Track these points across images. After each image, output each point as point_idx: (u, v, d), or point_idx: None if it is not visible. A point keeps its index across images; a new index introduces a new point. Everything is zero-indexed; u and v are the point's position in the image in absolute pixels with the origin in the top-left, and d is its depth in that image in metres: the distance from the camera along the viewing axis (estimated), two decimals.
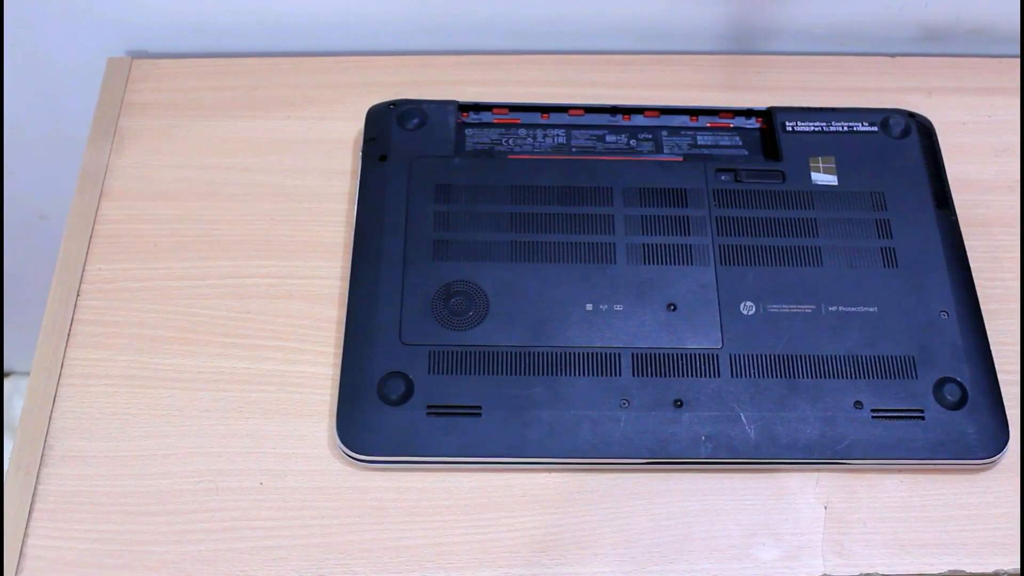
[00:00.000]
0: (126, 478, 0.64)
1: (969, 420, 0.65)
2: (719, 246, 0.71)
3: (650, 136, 0.77)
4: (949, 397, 0.65)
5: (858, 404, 0.65)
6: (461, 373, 0.66)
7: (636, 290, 0.69)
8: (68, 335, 0.69)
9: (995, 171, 0.78)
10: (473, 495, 0.64)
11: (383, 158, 0.74)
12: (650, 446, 0.64)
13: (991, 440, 0.65)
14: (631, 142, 0.77)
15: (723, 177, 0.74)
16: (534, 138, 0.77)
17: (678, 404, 0.65)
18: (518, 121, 0.78)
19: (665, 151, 0.77)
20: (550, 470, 0.65)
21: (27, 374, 0.69)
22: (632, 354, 0.67)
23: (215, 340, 0.69)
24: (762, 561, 0.62)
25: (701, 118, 0.78)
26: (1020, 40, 0.85)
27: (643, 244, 0.71)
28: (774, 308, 0.69)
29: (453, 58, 0.84)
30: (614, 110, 0.78)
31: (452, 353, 0.66)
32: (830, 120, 0.77)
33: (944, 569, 0.62)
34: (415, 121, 0.76)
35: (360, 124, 0.77)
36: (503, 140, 0.77)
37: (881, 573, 0.62)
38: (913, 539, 0.63)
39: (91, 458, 0.65)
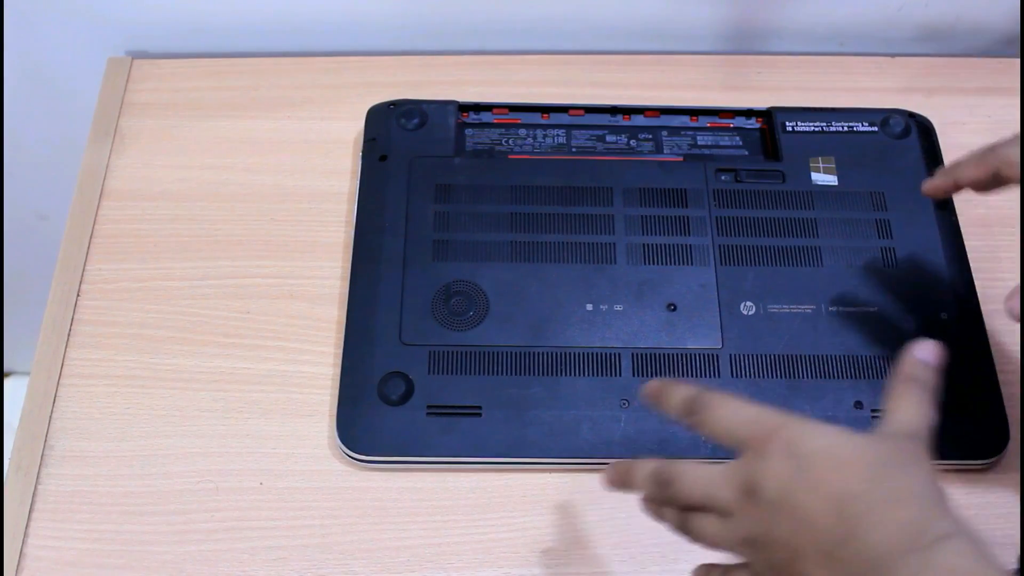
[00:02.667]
0: (126, 478, 0.64)
1: (969, 420, 0.65)
2: (719, 246, 0.71)
3: (650, 136, 0.77)
4: (948, 397, 0.65)
5: (858, 404, 0.65)
6: (461, 373, 0.66)
7: (636, 290, 0.69)
8: (68, 335, 0.69)
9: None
10: (473, 495, 0.64)
11: (383, 158, 0.74)
12: (650, 446, 0.64)
13: (991, 440, 0.65)
14: (631, 142, 0.77)
15: (723, 177, 0.74)
16: (534, 138, 0.77)
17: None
18: (518, 121, 0.78)
19: (665, 151, 0.77)
20: (550, 470, 0.65)
21: (27, 374, 0.69)
22: (632, 354, 0.67)
23: (215, 340, 0.69)
24: None
25: (701, 118, 0.78)
26: (1020, 40, 0.85)
27: (643, 244, 0.71)
28: (774, 308, 0.69)
29: (453, 58, 0.84)
30: (614, 110, 0.78)
31: (452, 353, 0.66)
32: (830, 120, 0.77)
33: None
34: (415, 121, 0.76)
35: (360, 124, 0.77)
36: (503, 140, 0.77)
37: None
38: None
39: (91, 458, 0.65)
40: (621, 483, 0.51)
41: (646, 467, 0.50)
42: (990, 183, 0.60)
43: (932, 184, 0.63)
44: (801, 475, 0.45)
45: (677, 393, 0.50)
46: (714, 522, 0.48)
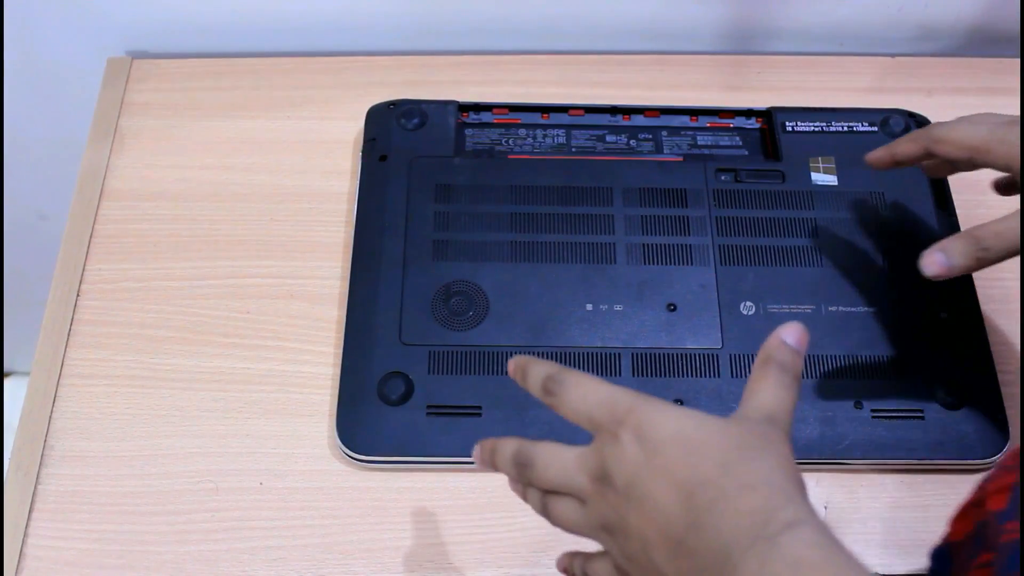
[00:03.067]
0: (126, 478, 0.64)
1: (969, 420, 0.65)
2: (719, 246, 0.71)
3: (650, 136, 0.77)
4: (949, 397, 0.65)
5: (858, 404, 0.65)
6: (461, 373, 0.66)
7: (636, 290, 0.69)
8: (68, 335, 0.69)
9: (995, 171, 0.78)
10: (473, 495, 0.64)
11: (383, 158, 0.74)
12: None
13: (991, 440, 0.65)
14: (631, 142, 0.77)
15: (723, 177, 0.74)
16: (534, 138, 0.77)
17: (678, 404, 0.65)
18: (518, 121, 0.78)
19: (665, 151, 0.77)
20: None
21: (27, 374, 0.69)
22: (632, 354, 0.67)
23: (215, 340, 0.69)
24: None
25: (701, 118, 0.78)
26: (1020, 40, 0.85)
27: (643, 244, 0.71)
28: (774, 308, 0.69)
29: (453, 58, 0.84)
30: (614, 110, 0.78)
31: (452, 353, 0.66)
32: (830, 120, 0.77)
33: None
34: (415, 121, 0.76)
35: (360, 124, 0.77)
36: (503, 140, 0.77)
37: (881, 573, 0.62)
38: (913, 539, 0.63)
39: (91, 458, 0.65)
40: (487, 463, 0.50)
41: (508, 448, 0.49)
42: (924, 158, 0.65)
43: (873, 155, 0.67)
44: (651, 462, 0.43)
45: (537, 371, 0.49)
46: (572, 506, 0.47)
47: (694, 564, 0.42)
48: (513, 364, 0.50)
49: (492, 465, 0.50)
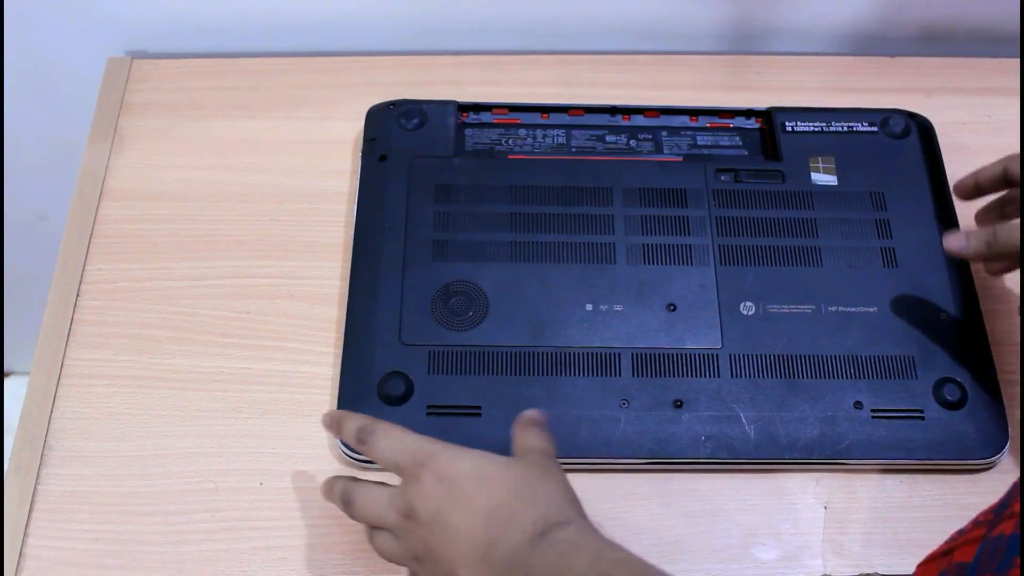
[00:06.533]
0: (126, 478, 0.64)
1: (969, 420, 0.65)
2: (719, 246, 0.71)
3: (650, 136, 0.77)
4: (949, 397, 0.65)
5: (858, 404, 0.65)
6: (461, 373, 0.66)
7: (636, 290, 0.69)
8: (68, 335, 0.69)
9: None
10: None
11: (383, 158, 0.74)
12: (650, 446, 0.64)
13: (991, 440, 0.65)
14: (631, 142, 0.77)
15: (723, 177, 0.74)
16: (534, 138, 0.77)
17: (678, 404, 0.65)
18: (518, 121, 0.78)
19: (665, 151, 0.77)
20: None
21: (27, 374, 0.69)
22: (632, 354, 0.67)
23: (215, 340, 0.69)
24: (762, 561, 0.62)
25: (701, 118, 0.78)
26: (1020, 40, 0.85)
27: (643, 244, 0.71)
28: (774, 308, 0.69)
29: (453, 58, 0.84)
30: (614, 110, 0.78)
31: (452, 353, 0.66)
32: (830, 120, 0.77)
33: None
34: (415, 121, 0.76)
35: (360, 124, 0.77)
36: (503, 140, 0.77)
37: (881, 573, 0.62)
38: (913, 539, 0.63)
39: (91, 458, 0.65)
40: (326, 493, 0.58)
41: (337, 484, 0.57)
42: (1004, 179, 0.66)
43: (959, 182, 0.69)
44: (451, 496, 0.52)
45: (351, 423, 0.57)
46: (388, 539, 0.55)
47: (495, 570, 0.51)
48: (328, 418, 0.59)
49: (325, 495, 0.59)
